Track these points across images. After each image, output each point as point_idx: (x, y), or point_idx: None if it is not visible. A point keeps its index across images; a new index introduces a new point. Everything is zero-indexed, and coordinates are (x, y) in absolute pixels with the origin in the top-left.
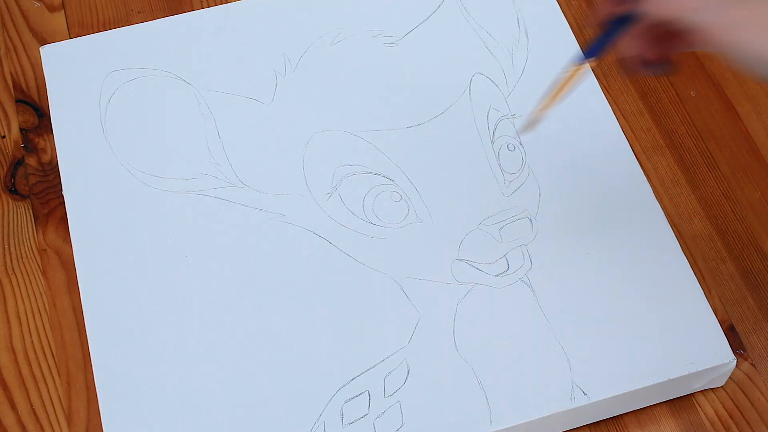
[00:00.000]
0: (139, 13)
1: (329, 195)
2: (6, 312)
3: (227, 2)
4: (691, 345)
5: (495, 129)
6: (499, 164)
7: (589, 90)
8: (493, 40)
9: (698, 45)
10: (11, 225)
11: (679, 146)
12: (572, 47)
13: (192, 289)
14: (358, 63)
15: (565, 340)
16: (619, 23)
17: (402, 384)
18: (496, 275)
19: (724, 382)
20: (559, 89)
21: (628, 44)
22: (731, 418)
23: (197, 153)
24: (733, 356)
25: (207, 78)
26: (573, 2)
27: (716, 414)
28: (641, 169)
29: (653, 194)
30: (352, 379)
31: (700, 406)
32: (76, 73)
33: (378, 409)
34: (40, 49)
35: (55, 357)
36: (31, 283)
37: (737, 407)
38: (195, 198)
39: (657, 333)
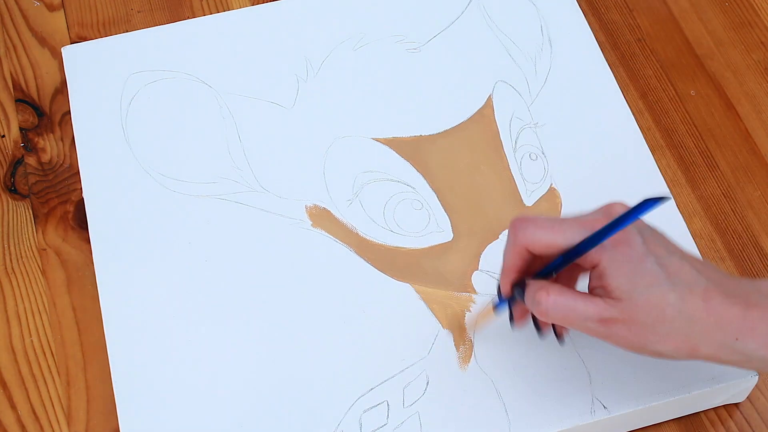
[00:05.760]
0: (138, 12)
1: (350, 202)
2: (6, 312)
3: (228, 3)
4: None
5: (517, 137)
6: (521, 173)
7: (612, 101)
8: (516, 47)
9: None
10: (11, 225)
11: (679, 146)
12: (595, 55)
13: (211, 293)
14: (381, 69)
15: (586, 353)
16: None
17: (421, 395)
18: None
19: (744, 398)
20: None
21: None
22: (731, 417)
23: (218, 157)
24: (755, 372)
25: (228, 81)
26: (597, 10)
27: (716, 413)
28: (664, 182)
29: (675, 204)
30: (371, 389)
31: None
32: (96, 74)
33: (397, 420)
34: (62, 50)
35: (55, 357)
36: (30, 282)
37: (737, 406)
38: (215, 202)
39: None
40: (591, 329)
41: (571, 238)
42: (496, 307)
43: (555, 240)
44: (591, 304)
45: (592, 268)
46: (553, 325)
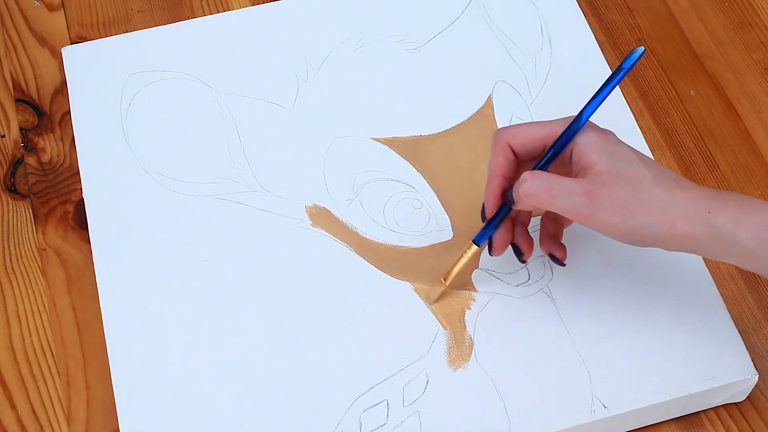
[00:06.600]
0: (138, 12)
1: (350, 201)
2: (6, 312)
3: (228, 3)
4: (713, 359)
5: None
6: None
7: (612, 101)
8: (516, 47)
9: (580, 222)
10: (11, 225)
11: (679, 146)
12: (595, 55)
13: (211, 293)
14: (381, 68)
15: (586, 352)
16: (499, 213)
17: (421, 394)
18: (517, 285)
19: (744, 398)
20: (456, 265)
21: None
22: (731, 417)
23: (218, 157)
24: (755, 371)
25: (228, 81)
26: (597, 10)
27: (716, 413)
28: None
29: None
30: (371, 388)
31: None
32: (96, 74)
33: (396, 419)
34: (62, 50)
35: (55, 357)
36: (30, 282)
37: (736, 405)
38: (215, 202)
39: (678, 347)
40: (576, 206)
41: (553, 128)
42: (475, 240)
43: (537, 131)
44: (576, 180)
45: (571, 157)
46: (517, 246)
